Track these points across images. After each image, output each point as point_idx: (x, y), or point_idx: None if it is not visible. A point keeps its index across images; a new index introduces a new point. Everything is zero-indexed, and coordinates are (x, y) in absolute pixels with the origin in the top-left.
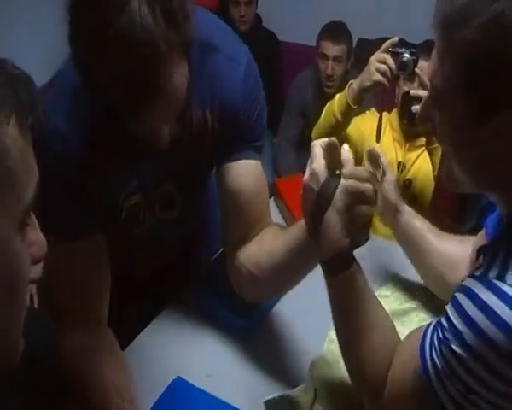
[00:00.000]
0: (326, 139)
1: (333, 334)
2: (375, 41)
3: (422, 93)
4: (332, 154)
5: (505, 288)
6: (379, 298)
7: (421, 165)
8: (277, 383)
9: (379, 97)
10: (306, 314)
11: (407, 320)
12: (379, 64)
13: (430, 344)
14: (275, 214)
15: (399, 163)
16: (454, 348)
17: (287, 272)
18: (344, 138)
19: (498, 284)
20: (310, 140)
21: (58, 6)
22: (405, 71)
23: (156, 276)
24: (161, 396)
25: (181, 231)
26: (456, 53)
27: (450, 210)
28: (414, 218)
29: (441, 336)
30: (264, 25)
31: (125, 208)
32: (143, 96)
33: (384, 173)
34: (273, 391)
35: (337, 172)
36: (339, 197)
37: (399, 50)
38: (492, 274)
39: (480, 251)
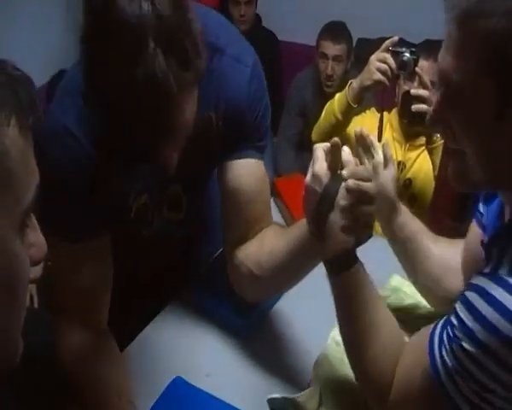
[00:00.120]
0: (328, 144)
1: (336, 332)
2: (375, 41)
3: (423, 92)
4: (334, 154)
5: None
6: None
7: (422, 164)
8: (277, 383)
9: (379, 97)
10: (307, 314)
11: (407, 320)
12: (379, 63)
13: (439, 344)
14: (274, 214)
15: (399, 163)
16: (465, 345)
17: (287, 272)
18: (344, 138)
19: (511, 280)
20: (309, 140)
21: (58, 6)
22: (406, 70)
23: (156, 276)
24: (161, 396)
25: (184, 232)
26: (482, 41)
27: (450, 209)
28: (411, 219)
29: (451, 334)
30: (263, 24)
31: (134, 208)
32: (157, 141)
33: (386, 164)
34: (273, 391)
35: (339, 171)
36: (342, 197)
37: (400, 50)
38: (503, 271)
39: (484, 248)
